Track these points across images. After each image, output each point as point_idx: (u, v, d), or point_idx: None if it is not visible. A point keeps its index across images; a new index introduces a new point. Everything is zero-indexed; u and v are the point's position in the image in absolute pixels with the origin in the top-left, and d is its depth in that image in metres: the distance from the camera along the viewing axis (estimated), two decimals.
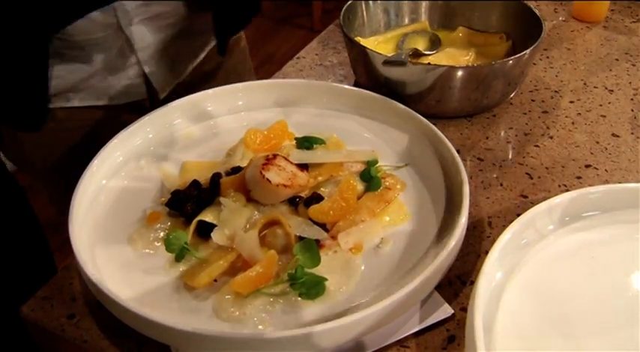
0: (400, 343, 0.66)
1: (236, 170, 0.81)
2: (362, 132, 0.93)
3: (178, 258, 0.72)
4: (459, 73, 0.93)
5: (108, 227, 0.77)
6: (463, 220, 0.72)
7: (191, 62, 1.16)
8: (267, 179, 0.74)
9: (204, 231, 0.73)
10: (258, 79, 1.05)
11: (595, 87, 1.08)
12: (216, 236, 0.72)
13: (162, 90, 1.11)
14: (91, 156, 0.81)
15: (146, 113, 0.89)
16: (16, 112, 1.05)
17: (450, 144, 0.83)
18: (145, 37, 1.02)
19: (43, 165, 1.14)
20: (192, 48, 1.15)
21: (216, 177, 0.80)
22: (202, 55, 1.17)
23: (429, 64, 0.94)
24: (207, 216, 0.74)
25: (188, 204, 0.76)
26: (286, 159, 0.79)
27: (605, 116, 1.01)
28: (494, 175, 0.89)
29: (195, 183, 0.79)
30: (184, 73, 1.15)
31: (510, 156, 0.93)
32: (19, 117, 1.06)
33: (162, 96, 1.11)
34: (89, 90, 1.05)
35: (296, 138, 0.88)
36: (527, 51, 0.95)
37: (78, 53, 0.98)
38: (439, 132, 0.86)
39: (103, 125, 0.92)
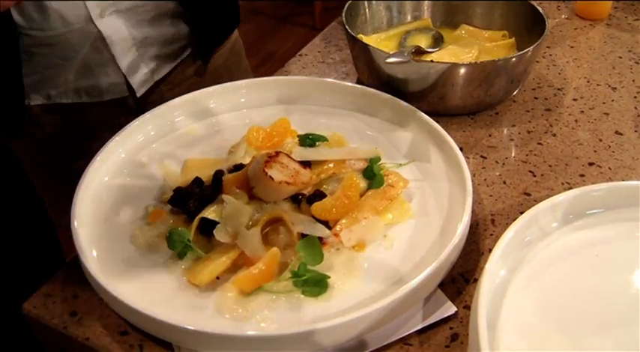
0: (403, 341, 0.66)
1: (238, 167, 0.81)
2: (364, 130, 0.92)
3: (181, 256, 0.72)
4: (462, 70, 0.93)
5: (110, 224, 0.77)
6: (466, 218, 0.72)
7: (172, 61, 1.12)
8: (270, 176, 0.73)
9: (207, 228, 0.73)
10: (259, 77, 1.04)
11: (598, 84, 1.08)
12: (218, 233, 0.71)
13: (139, 88, 1.07)
14: (78, 155, 0.80)
15: (130, 111, 0.88)
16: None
17: (453, 142, 0.83)
18: (118, 30, 0.99)
19: (33, 166, 1.13)
20: (172, 47, 1.10)
21: (218, 175, 0.80)
22: (184, 55, 1.13)
23: (431, 61, 0.93)
24: (210, 214, 0.73)
25: (190, 201, 0.76)
26: (289, 156, 0.78)
27: (608, 114, 1.00)
28: (497, 173, 0.89)
29: (197, 180, 0.79)
30: (163, 72, 1.11)
31: (513, 154, 0.92)
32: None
33: (140, 94, 1.07)
34: (69, 87, 1.02)
35: (299, 136, 0.87)
36: (531, 48, 0.94)
37: (48, 50, 0.96)
38: (442, 130, 0.85)
39: (88, 122, 0.90)
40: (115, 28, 0.98)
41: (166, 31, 1.06)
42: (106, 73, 1.02)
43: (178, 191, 0.78)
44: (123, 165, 0.85)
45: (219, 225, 0.72)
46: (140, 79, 1.06)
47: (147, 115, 0.89)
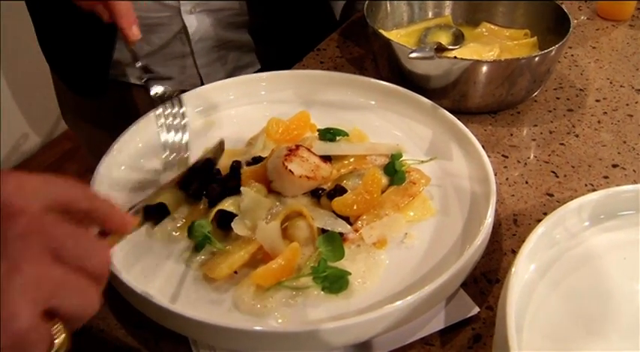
0: (425, 341, 0.65)
1: (257, 160, 0.79)
2: (385, 126, 0.91)
3: (199, 248, 0.70)
4: (485, 68, 0.91)
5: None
6: (490, 217, 0.70)
7: (246, 70, 1.14)
8: (290, 170, 0.72)
9: (225, 221, 0.72)
10: None
11: (621, 86, 1.06)
12: (236, 226, 0.70)
13: None
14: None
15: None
16: (79, 78, 1.09)
17: (475, 140, 0.82)
18: (202, 27, 1.02)
19: (92, 133, 1.16)
20: (251, 56, 1.13)
21: (235, 164, 0.78)
22: (258, 67, 1.16)
23: (454, 57, 0.92)
24: (228, 206, 0.72)
25: (194, 183, 0.74)
26: (309, 150, 0.77)
27: (632, 115, 0.99)
28: (519, 173, 0.87)
29: (208, 161, 0.77)
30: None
31: (535, 154, 0.91)
32: (81, 82, 1.09)
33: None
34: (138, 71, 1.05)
35: (319, 130, 0.86)
36: (555, 47, 0.93)
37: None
38: (464, 128, 0.84)
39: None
40: (201, 25, 1.02)
41: (248, 39, 1.09)
42: (183, 64, 1.04)
43: (190, 171, 0.76)
44: (141, 155, 0.84)
45: (237, 218, 0.71)
46: (212, 78, 1.08)
47: (167, 105, 0.87)
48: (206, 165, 0.77)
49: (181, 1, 0.98)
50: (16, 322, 0.36)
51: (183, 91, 0.85)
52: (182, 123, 0.79)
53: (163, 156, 0.80)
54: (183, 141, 0.79)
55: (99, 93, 1.11)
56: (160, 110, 0.79)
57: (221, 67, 1.10)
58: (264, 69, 1.15)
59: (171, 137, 0.78)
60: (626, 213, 0.70)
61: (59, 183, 0.41)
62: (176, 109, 0.78)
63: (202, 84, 1.08)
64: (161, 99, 0.79)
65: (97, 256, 0.42)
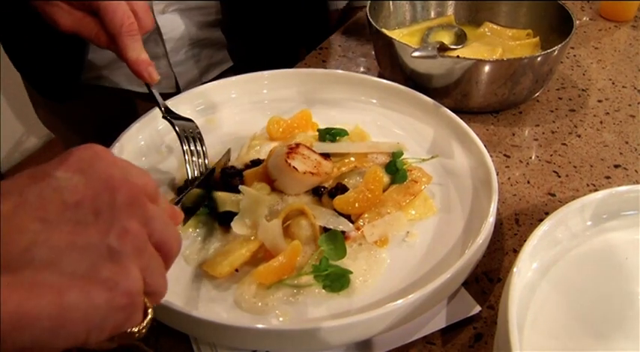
0: (426, 340, 0.65)
1: (256, 162, 0.79)
2: (386, 124, 0.91)
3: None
4: (487, 68, 0.91)
5: None
6: (491, 216, 0.70)
7: (219, 66, 1.14)
8: (294, 167, 0.72)
9: (225, 219, 0.72)
10: None
11: (624, 86, 1.06)
12: (236, 225, 0.70)
13: (186, 87, 1.08)
14: (113, 139, 0.80)
15: None
16: (51, 82, 1.06)
17: (477, 139, 0.81)
18: (176, 28, 1.01)
19: (73, 137, 1.15)
20: (223, 53, 1.12)
21: (227, 170, 0.78)
22: (231, 64, 1.15)
23: (457, 56, 0.92)
24: (226, 201, 0.72)
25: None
26: (309, 148, 0.77)
27: (634, 116, 0.98)
28: (521, 172, 0.87)
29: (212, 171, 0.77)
30: (211, 76, 1.13)
31: (537, 154, 0.91)
32: (52, 86, 1.07)
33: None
34: (121, 73, 1.03)
35: (318, 130, 0.86)
36: (557, 47, 0.92)
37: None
38: (466, 127, 0.84)
39: (131, 110, 0.92)
40: (174, 25, 1.01)
41: (220, 36, 1.07)
42: (158, 66, 1.03)
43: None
44: (143, 153, 0.84)
45: (237, 217, 0.70)
46: (188, 79, 1.08)
47: (167, 102, 0.87)
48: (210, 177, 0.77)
49: (153, 1, 0.96)
50: (132, 283, 0.38)
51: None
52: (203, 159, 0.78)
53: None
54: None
55: (71, 98, 1.09)
56: (185, 147, 0.77)
57: (194, 64, 1.09)
58: (237, 65, 1.13)
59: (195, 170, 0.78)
60: (628, 213, 0.70)
61: (139, 169, 0.43)
62: (198, 146, 0.78)
63: (177, 83, 1.07)
64: (185, 137, 0.78)
65: (176, 241, 0.44)
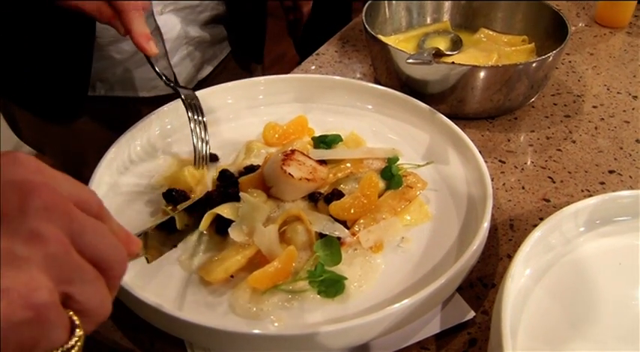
0: (421, 345, 0.65)
1: (250, 169, 0.79)
2: (382, 130, 0.91)
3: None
4: (482, 73, 0.91)
5: (124, 219, 0.75)
6: (486, 222, 0.70)
7: (211, 62, 1.16)
8: (290, 173, 0.72)
9: (222, 227, 0.72)
10: None
11: (618, 92, 1.06)
12: (233, 232, 0.70)
13: (186, 85, 1.11)
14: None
15: None
16: (55, 101, 1.05)
17: (472, 145, 0.82)
18: (174, 27, 1.03)
19: (64, 152, 1.14)
20: (217, 47, 1.16)
21: (225, 174, 0.78)
22: (222, 56, 1.18)
23: (452, 63, 0.92)
24: (224, 212, 0.72)
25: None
26: (304, 154, 0.77)
27: (629, 122, 0.99)
28: (516, 178, 0.87)
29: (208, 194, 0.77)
30: (205, 72, 1.15)
31: (532, 160, 0.91)
32: (56, 106, 1.06)
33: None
34: (117, 80, 1.04)
35: (313, 138, 0.86)
36: (552, 53, 0.93)
37: (102, 42, 0.97)
38: (461, 132, 0.84)
39: (129, 117, 0.92)
40: (172, 25, 1.03)
41: (213, 33, 1.12)
42: (158, 66, 1.04)
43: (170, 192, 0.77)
44: (137, 158, 0.84)
45: (234, 224, 0.71)
46: (186, 77, 1.11)
47: (164, 108, 0.88)
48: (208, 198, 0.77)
49: (153, 2, 0.98)
50: (37, 294, 0.33)
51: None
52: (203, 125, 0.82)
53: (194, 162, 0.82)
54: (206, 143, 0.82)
55: (77, 114, 1.08)
56: (189, 114, 0.81)
57: (190, 62, 1.11)
58: (237, 54, 1.19)
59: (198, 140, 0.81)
60: (621, 218, 0.71)
61: (75, 181, 0.39)
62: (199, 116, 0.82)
63: (176, 82, 1.08)
64: (189, 105, 0.82)
65: (116, 253, 0.39)
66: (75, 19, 0.80)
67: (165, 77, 0.83)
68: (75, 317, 0.36)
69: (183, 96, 0.82)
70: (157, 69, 0.83)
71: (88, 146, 0.90)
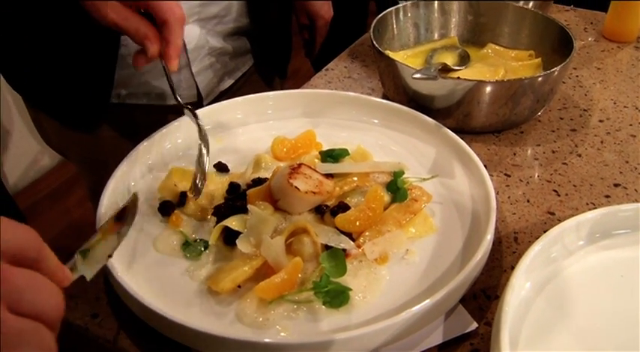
0: None
1: (257, 182, 0.81)
2: (389, 144, 0.93)
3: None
4: (488, 88, 0.93)
5: (134, 229, 0.77)
6: (489, 234, 0.71)
7: (233, 74, 1.18)
8: (296, 187, 0.74)
9: (230, 238, 0.73)
10: None
11: (625, 106, 1.07)
12: (241, 243, 0.71)
13: (207, 95, 1.13)
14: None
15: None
16: (78, 108, 1.08)
17: (477, 159, 0.83)
18: (196, 38, 1.05)
19: (87, 159, 1.17)
20: (240, 59, 1.18)
21: (234, 187, 0.80)
22: (245, 69, 1.20)
23: (458, 78, 0.94)
24: (233, 224, 0.74)
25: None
26: (311, 167, 0.79)
27: (635, 136, 1.00)
28: (521, 191, 0.88)
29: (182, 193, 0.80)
30: (227, 84, 1.17)
31: (538, 173, 0.92)
32: (79, 113, 1.09)
33: (207, 102, 1.12)
34: (140, 88, 1.06)
35: (320, 153, 0.88)
36: (557, 68, 0.94)
37: (127, 50, 1.00)
38: (466, 146, 0.85)
39: (152, 124, 0.94)
40: (195, 35, 1.05)
41: (235, 45, 1.13)
42: (179, 78, 1.06)
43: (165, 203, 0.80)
44: (149, 171, 0.86)
45: (242, 235, 0.72)
46: (207, 87, 1.12)
47: (175, 123, 0.90)
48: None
49: None
50: None
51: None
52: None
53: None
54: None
55: (99, 123, 1.11)
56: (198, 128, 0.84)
57: (211, 73, 1.12)
58: (260, 68, 1.21)
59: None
60: (623, 231, 0.71)
61: (11, 229, 0.40)
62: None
63: (198, 92, 1.10)
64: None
65: (53, 304, 0.41)
66: (101, 28, 0.82)
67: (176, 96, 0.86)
68: None
69: (200, 123, 0.84)
70: (172, 84, 0.85)
71: (110, 153, 0.93)
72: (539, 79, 0.94)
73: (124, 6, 0.77)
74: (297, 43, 1.48)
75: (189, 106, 0.87)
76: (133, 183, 0.83)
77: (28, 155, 2.49)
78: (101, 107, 1.08)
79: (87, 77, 1.03)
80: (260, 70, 1.25)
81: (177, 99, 0.86)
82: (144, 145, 0.86)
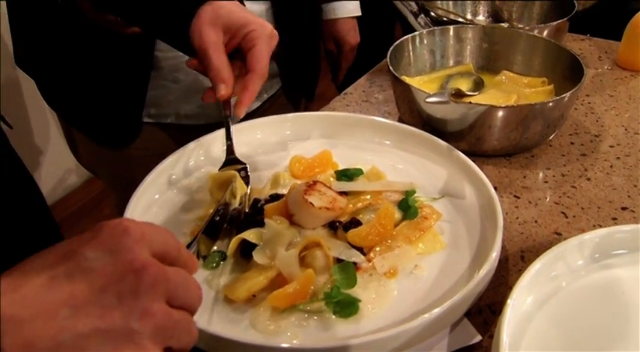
0: None
1: (275, 197, 0.85)
2: (402, 166, 0.96)
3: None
4: (500, 113, 0.96)
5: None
6: (495, 251, 0.74)
7: (261, 96, 1.23)
8: (311, 203, 0.78)
9: (247, 250, 0.77)
10: None
11: (636, 133, 1.10)
12: (257, 255, 0.75)
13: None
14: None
15: None
16: (109, 126, 1.14)
17: (486, 179, 0.86)
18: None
19: (116, 176, 1.22)
20: (268, 83, 1.21)
21: (256, 202, 0.84)
22: (272, 92, 1.24)
23: (470, 102, 0.97)
24: (250, 236, 0.78)
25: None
26: (325, 185, 0.83)
27: None
28: (530, 213, 0.91)
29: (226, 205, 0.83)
30: (255, 105, 1.22)
31: (547, 196, 0.95)
32: (110, 131, 1.14)
33: (234, 123, 1.16)
34: (170, 109, 1.11)
35: (336, 172, 0.92)
36: (568, 94, 0.97)
37: (159, 72, 1.05)
38: (477, 168, 0.89)
39: (180, 144, 0.99)
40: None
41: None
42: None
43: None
44: (173, 185, 0.91)
45: (258, 248, 0.76)
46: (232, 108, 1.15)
47: (198, 141, 0.95)
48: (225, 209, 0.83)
49: None
50: None
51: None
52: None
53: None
54: None
55: (131, 140, 1.16)
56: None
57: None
58: (287, 91, 1.26)
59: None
60: (625, 251, 0.74)
61: (156, 232, 0.47)
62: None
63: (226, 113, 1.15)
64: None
65: (196, 293, 0.48)
66: (136, 48, 0.87)
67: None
68: None
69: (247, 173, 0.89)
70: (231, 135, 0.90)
71: (138, 170, 0.98)
72: (550, 104, 0.97)
73: (223, 46, 0.83)
74: (325, 66, 1.53)
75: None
76: (157, 197, 0.88)
77: (56, 173, 2.57)
78: (133, 125, 1.13)
79: (120, 97, 1.09)
80: (287, 93, 1.29)
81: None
82: (169, 160, 0.91)
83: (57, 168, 2.55)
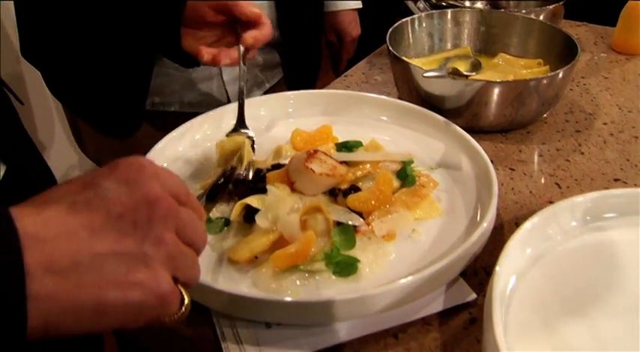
0: (425, 321, 0.71)
1: (276, 166, 0.88)
2: (400, 140, 0.99)
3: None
4: (495, 88, 0.99)
5: None
6: (490, 213, 0.77)
7: (263, 86, 1.26)
8: (312, 169, 0.80)
9: (250, 215, 0.80)
10: None
11: (629, 111, 1.12)
12: (259, 219, 0.78)
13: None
14: None
15: None
16: (113, 115, 1.16)
17: (482, 150, 0.89)
18: None
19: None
20: (269, 72, 1.25)
21: (258, 172, 0.87)
22: (274, 82, 1.27)
23: (466, 77, 1.00)
24: (253, 202, 0.80)
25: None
26: (326, 153, 0.85)
27: (637, 137, 1.05)
28: (525, 184, 0.94)
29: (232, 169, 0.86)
30: (256, 95, 1.25)
31: (541, 168, 0.97)
32: (114, 120, 1.17)
33: None
34: (173, 96, 1.14)
35: (336, 144, 0.94)
36: (561, 70, 1.00)
37: (164, 60, 1.07)
38: (473, 141, 0.91)
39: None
40: None
41: (266, 58, 1.21)
42: (210, 87, 1.13)
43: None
44: (179, 156, 0.94)
45: (260, 212, 0.79)
46: (234, 97, 1.18)
47: (202, 117, 0.98)
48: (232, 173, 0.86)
49: None
50: (162, 285, 0.45)
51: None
52: None
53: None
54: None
55: (135, 129, 1.18)
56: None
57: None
58: (290, 82, 1.29)
59: None
60: (612, 215, 0.76)
61: (172, 176, 0.50)
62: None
63: (229, 100, 1.18)
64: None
65: (202, 235, 0.51)
66: (139, 36, 0.90)
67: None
68: (184, 292, 0.48)
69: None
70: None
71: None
72: (544, 80, 1.00)
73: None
74: (325, 57, 1.56)
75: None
76: (165, 165, 0.91)
77: (60, 169, 2.60)
78: (137, 114, 1.15)
79: (125, 86, 1.11)
80: (289, 82, 1.32)
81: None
82: (173, 134, 0.94)
83: (60, 164, 2.58)
